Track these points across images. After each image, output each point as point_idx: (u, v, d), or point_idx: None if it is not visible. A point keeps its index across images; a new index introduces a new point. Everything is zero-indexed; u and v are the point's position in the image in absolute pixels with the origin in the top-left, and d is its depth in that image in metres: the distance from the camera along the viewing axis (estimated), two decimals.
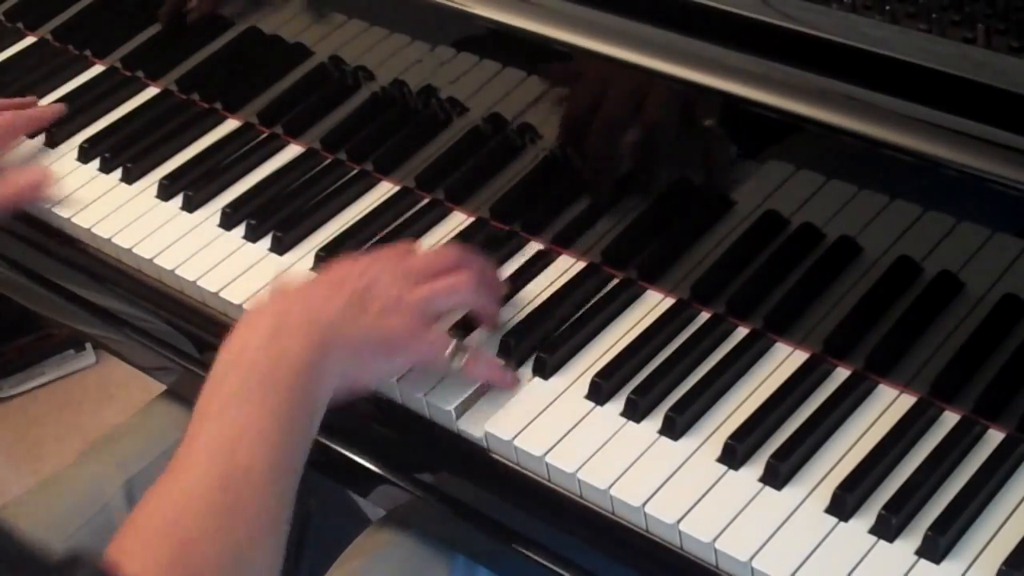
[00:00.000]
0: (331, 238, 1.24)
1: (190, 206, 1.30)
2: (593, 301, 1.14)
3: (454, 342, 1.06)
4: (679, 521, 0.97)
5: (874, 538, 0.95)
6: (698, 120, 1.08)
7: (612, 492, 0.99)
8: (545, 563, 1.04)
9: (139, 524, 0.91)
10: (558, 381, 1.08)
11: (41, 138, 1.42)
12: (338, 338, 1.01)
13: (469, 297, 1.09)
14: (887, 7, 1.01)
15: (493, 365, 1.08)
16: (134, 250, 1.27)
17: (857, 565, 0.93)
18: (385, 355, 1.04)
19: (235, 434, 0.94)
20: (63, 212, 1.32)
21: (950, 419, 1.01)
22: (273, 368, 0.97)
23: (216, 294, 1.21)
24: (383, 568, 1.17)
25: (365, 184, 1.30)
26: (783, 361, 1.07)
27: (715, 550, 0.95)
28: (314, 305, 1.02)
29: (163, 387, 1.42)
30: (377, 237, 1.24)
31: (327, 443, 1.10)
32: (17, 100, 1.44)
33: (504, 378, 1.08)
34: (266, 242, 1.25)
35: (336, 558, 1.21)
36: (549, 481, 1.03)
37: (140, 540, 0.89)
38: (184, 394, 1.35)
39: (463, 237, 1.22)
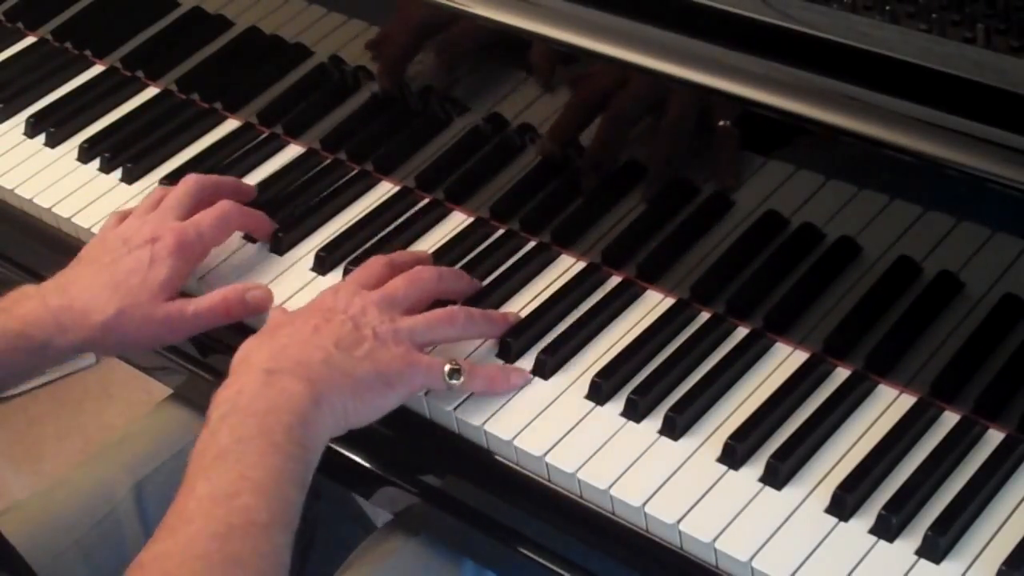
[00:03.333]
0: (331, 238, 1.24)
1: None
2: (593, 301, 1.14)
3: (448, 364, 1.05)
4: (679, 521, 0.97)
5: (874, 538, 0.95)
6: (706, 122, 1.08)
7: (612, 492, 0.99)
8: (546, 563, 1.04)
9: None
10: (558, 381, 1.08)
11: (41, 138, 1.42)
12: (332, 377, 0.99)
13: (464, 328, 1.09)
14: (887, 7, 1.01)
15: (492, 374, 1.07)
16: None
17: (857, 565, 0.93)
18: (382, 389, 1.02)
19: (233, 487, 0.91)
20: (63, 212, 1.32)
21: (950, 419, 1.01)
22: (268, 418, 0.95)
23: None
24: (391, 573, 1.17)
25: (365, 184, 1.30)
26: (783, 361, 1.07)
27: (715, 550, 0.95)
28: (305, 342, 1.01)
29: (163, 387, 1.42)
30: (377, 237, 1.24)
31: (331, 446, 1.10)
32: (230, 182, 1.27)
33: (507, 381, 1.07)
34: (266, 242, 1.25)
35: (340, 562, 1.21)
36: (549, 481, 1.03)
37: None
38: (192, 397, 1.35)
39: (463, 237, 1.22)
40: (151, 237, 1.14)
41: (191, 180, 1.21)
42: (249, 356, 1.01)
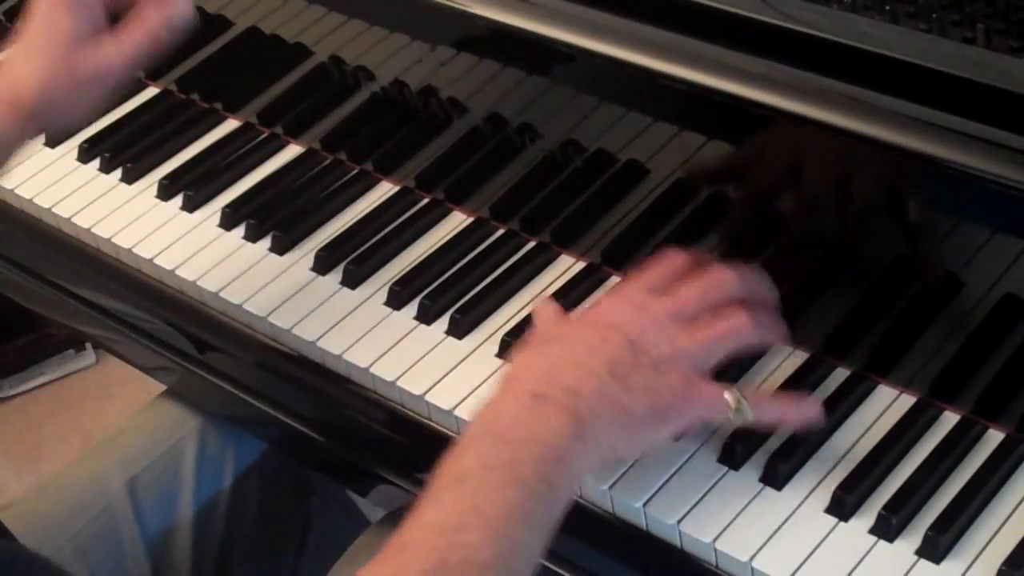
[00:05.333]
0: (331, 238, 1.24)
1: (190, 206, 1.30)
2: (593, 301, 1.14)
3: (732, 394, 0.94)
4: (679, 521, 0.97)
5: (874, 538, 0.95)
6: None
7: (612, 492, 0.99)
8: (545, 563, 1.04)
9: None
10: None
11: (41, 138, 1.42)
12: (604, 410, 0.91)
13: (751, 339, 0.98)
14: (887, 7, 1.00)
15: (785, 404, 0.98)
16: (134, 250, 1.27)
17: (857, 565, 0.93)
18: (655, 424, 0.93)
19: (461, 519, 0.85)
20: (63, 212, 1.32)
21: (950, 419, 1.01)
22: (522, 446, 0.88)
23: (216, 294, 1.21)
24: None
25: (365, 184, 1.30)
26: (783, 361, 1.07)
27: (715, 550, 0.95)
28: (579, 365, 0.92)
29: (163, 387, 1.42)
30: (377, 237, 1.24)
31: (328, 444, 1.10)
32: None
33: (806, 411, 0.97)
34: (266, 242, 1.25)
35: (336, 559, 1.21)
36: None
37: None
38: (186, 393, 1.36)
39: (463, 237, 1.22)
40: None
41: None
42: (519, 374, 0.94)
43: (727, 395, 0.94)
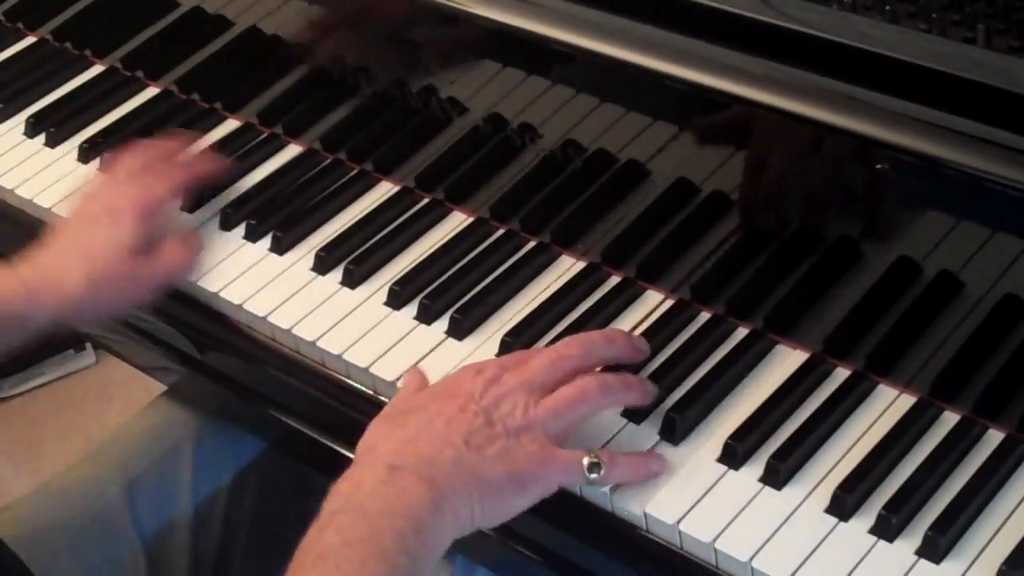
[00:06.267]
0: (331, 238, 1.24)
1: (190, 206, 1.30)
2: (593, 301, 1.14)
3: (587, 457, 0.97)
4: (679, 521, 0.97)
5: (874, 538, 0.95)
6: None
7: (612, 493, 0.99)
8: (544, 563, 1.04)
9: None
10: None
11: (41, 138, 1.42)
12: (460, 480, 0.93)
13: (598, 402, 1.00)
14: (887, 7, 1.00)
15: (635, 462, 1.00)
16: None
17: (857, 565, 0.93)
18: (515, 490, 0.95)
19: None
20: (62, 212, 1.32)
21: (950, 419, 1.01)
22: (381, 521, 0.90)
23: (216, 294, 1.21)
24: None
25: (365, 184, 1.30)
26: (783, 361, 1.07)
27: (715, 550, 0.95)
28: (435, 436, 0.94)
29: (163, 388, 1.42)
30: (378, 237, 1.23)
31: (327, 443, 1.10)
32: (175, 144, 1.30)
33: (649, 469, 1.00)
34: (266, 242, 1.25)
35: None
36: None
37: None
38: (185, 394, 1.35)
39: (463, 237, 1.22)
40: (109, 206, 1.19)
41: (130, 153, 1.26)
42: (376, 445, 0.96)
43: (583, 459, 0.97)
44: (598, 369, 1.04)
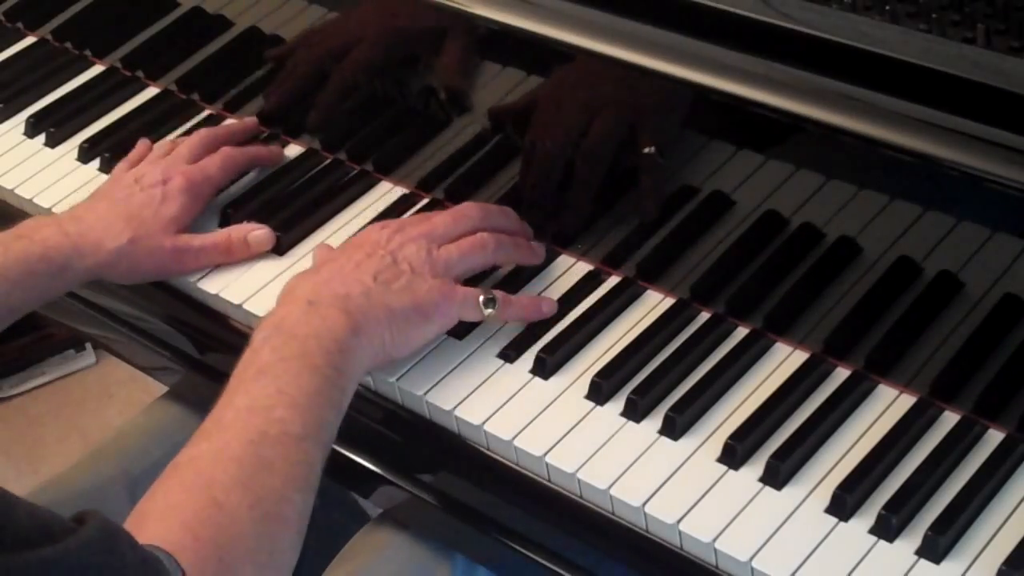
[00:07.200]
0: (331, 238, 1.24)
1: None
2: (593, 301, 1.14)
3: (482, 295, 1.09)
4: (679, 521, 0.97)
5: (874, 538, 0.95)
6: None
7: (612, 492, 0.99)
8: (545, 563, 1.04)
9: (165, 487, 0.92)
10: (558, 381, 1.08)
11: (41, 138, 1.42)
12: (372, 310, 1.04)
13: (493, 255, 1.13)
14: (887, 7, 1.01)
15: (525, 303, 1.12)
16: None
17: (857, 565, 0.93)
18: (419, 321, 1.07)
19: (270, 400, 0.96)
20: (61, 212, 1.32)
21: (950, 419, 1.01)
22: (309, 342, 1.00)
23: (216, 295, 1.21)
24: (384, 568, 1.17)
25: (365, 184, 1.30)
26: (783, 361, 1.07)
27: (715, 550, 0.95)
28: (347, 276, 1.06)
29: (163, 388, 1.42)
30: None
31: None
32: (238, 127, 1.35)
33: (540, 310, 1.12)
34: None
35: (334, 555, 1.20)
36: (549, 481, 1.03)
37: (165, 502, 0.91)
38: (186, 394, 1.35)
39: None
40: (163, 178, 1.23)
41: (201, 132, 1.31)
42: (294, 289, 1.07)
43: (479, 295, 1.09)
44: None
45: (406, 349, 1.07)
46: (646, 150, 1.08)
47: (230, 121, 1.36)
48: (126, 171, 1.27)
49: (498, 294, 1.10)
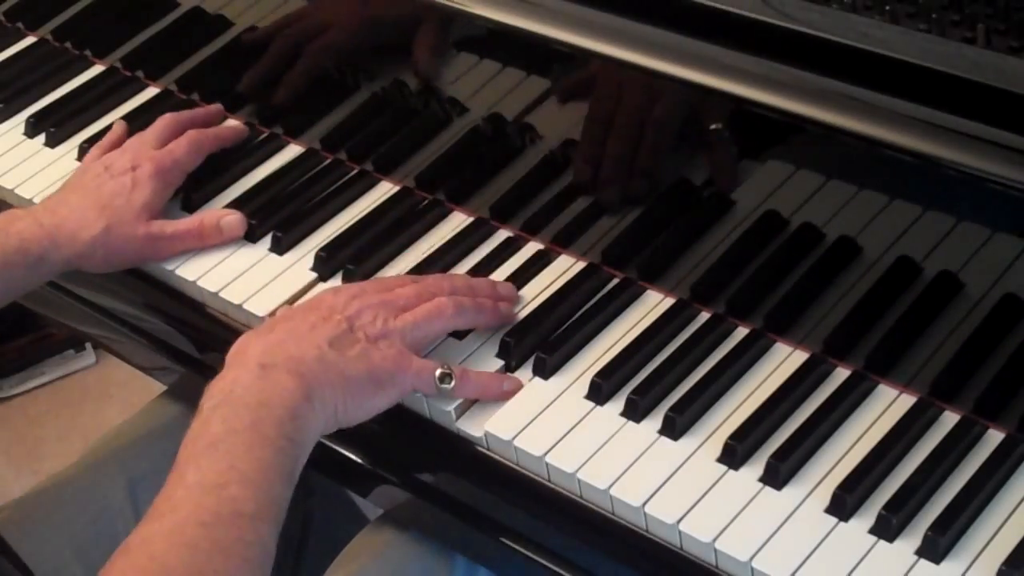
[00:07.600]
0: (331, 238, 1.24)
1: (190, 207, 1.30)
2: (593, 301, 1.14)
3: (439, 368, 1.05)
4: (679, 521, 0.97)
5: (874, 538, 0.95)
6: (703, 121, 1.08)
7: (612, 492, 0.99)
8: (545, 563, 1.04)
9: (120, 572, 0.89)
10: (558, 381, 1.08)
11: (41, 138, 1.42)
12: (325, 376, 1.01)
13: (452, 320, 1.09)
14: (887, 7, 1.01)
15: (484, 381, 1.08)
16: None
17: (857, 565, 0.93)
18: (373, 390, 1.03)
19: (222, 477, 0.93)
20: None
21: (950, 419, 1.01)
22: (260, 411, 0.97)
23: (216, 294, 1.21)
24: (384, 569, 1.17)
25: (365, 184, 1.30)
26: (783, 361, 1.07)
27: (715, 550, 0.95)
28: (301, 339, 1.03)
29: (162, 387, 1.42)
30: (377, 237, 1.23)
31: (327, 443, 1.10)
32: (200, 112, 1.36)
33: (499, 388, 1.07)
34: (266, 242, 1.25)
35: (334, 556, 1.20)
36: (549, 481, 1.03)
37: None
38: (185, 394, 1.35)
39: (463, 237, 1.22)
40: (132, 165, 1.24)
41: (166, 117, 1.32)
42: (245, 349, 1.03)
43: (436, 369, 1.05)
44: None
45: (357, 417, 1.04)
46: (713, 127, 1.06)
47: (198, 110, 1.37)
48: (96, 159, 1.28)
49: (456, 370, 1.06)
